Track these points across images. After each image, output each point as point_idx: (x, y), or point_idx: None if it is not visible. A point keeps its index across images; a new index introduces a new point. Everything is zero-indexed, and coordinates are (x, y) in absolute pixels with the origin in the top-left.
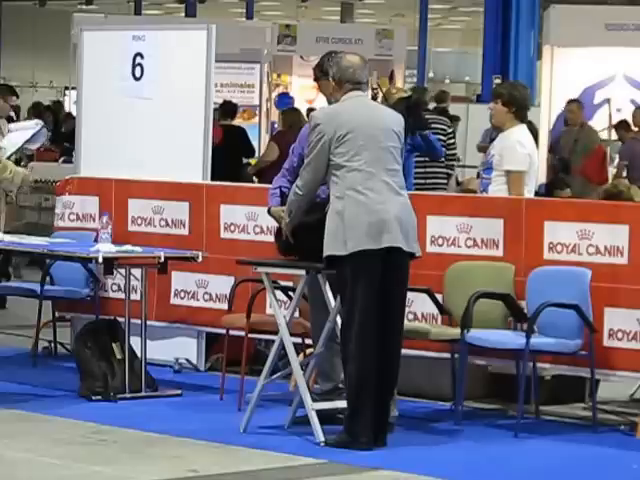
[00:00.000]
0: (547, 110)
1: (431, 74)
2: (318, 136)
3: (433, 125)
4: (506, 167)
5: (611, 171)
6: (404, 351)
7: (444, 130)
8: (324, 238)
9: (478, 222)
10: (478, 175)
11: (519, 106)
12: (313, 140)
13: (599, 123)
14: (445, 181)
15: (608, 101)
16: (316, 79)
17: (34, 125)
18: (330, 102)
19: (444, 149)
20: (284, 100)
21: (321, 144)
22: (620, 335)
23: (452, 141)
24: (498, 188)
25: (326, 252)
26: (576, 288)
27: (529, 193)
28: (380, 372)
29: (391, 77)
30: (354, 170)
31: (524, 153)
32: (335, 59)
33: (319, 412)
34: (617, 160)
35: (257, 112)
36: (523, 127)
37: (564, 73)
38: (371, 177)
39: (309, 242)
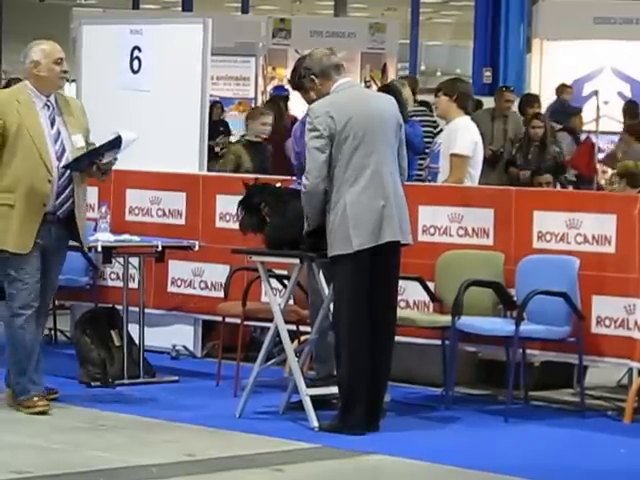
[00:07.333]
0: None
1: (423, 67)
2: (318, 132)
3: (422, 118)
4: (451, 151)
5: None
6: (396, 338)
7: (433, 122)
8: (327, 236)
9: (469, 212)
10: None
11: (460, 94)
12: (314, 135)
13: (587, 114)
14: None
15: (596, 93)
16: (298, 87)
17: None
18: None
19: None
20: (279, 93)
21: (323, 139)
22: (607, 322)
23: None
24: (447, 176)
25: (333, 252)
26: (564, 276)
27: (474, 180)
28: (374, 364)
29: (384, 70)
30: (353, 165)
31: (470, 139)
32: (305, 59)
33: (313, 397)
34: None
35: (252, 105)
36: (468, 118)
37: (553, 66)
38: (370, 171)
39: (294, 233)
